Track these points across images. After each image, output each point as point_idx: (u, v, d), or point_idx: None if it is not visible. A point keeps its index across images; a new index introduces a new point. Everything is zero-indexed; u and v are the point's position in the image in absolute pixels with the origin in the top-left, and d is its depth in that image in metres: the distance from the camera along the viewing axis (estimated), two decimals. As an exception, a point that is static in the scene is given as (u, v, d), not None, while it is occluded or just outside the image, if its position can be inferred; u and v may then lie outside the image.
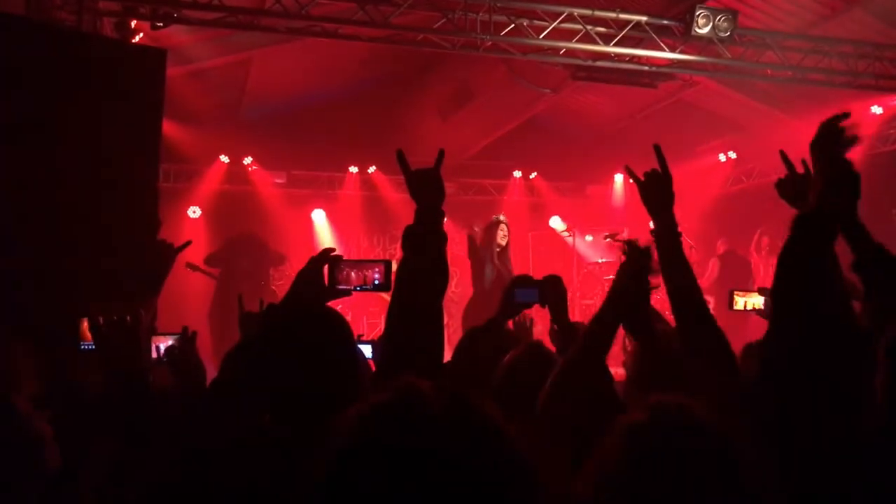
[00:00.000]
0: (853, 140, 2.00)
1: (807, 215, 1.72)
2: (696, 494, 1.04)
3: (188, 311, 8.84)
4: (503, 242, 7.28)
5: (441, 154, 1.94)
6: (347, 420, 0.92)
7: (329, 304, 1.97)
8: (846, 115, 2.03)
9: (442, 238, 1.82)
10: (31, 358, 2.60)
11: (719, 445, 1.08)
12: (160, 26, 6.35)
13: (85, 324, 2.17)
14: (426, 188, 1.85)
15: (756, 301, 3.31)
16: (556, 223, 11.91)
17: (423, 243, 1.78)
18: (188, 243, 2.84)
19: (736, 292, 2.85)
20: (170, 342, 2.36)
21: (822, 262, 1.65)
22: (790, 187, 2.27)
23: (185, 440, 1.80)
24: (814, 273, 1.64)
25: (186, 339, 2.29)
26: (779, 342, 1.63)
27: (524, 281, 2.69)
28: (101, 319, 1.98)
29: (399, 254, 1.89)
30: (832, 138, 1.98)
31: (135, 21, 6.31)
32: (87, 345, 2.14)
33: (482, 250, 7.25)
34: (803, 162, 2.28)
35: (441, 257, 1.79)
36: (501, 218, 7.40)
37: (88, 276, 3.96)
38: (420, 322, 1.70)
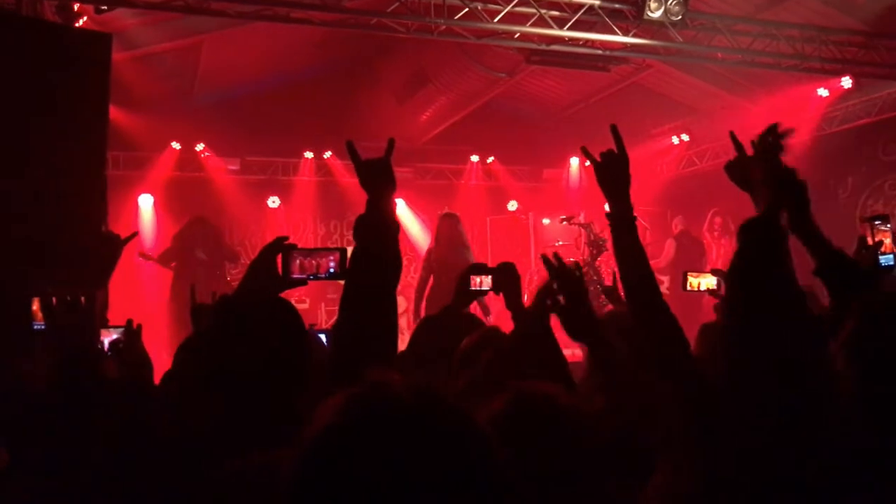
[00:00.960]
0: (788, 133, 2.16)
1: (752, 223, 1.80)
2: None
3: (143, 301, 8.71)
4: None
5: (391, 143, 1.93)
6: (320, 413, 0.92)
7: (285, 293, 1.95)
8: (776, 126, 2.18)
9: (394, 227, 1.81)
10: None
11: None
12: (104, 10, 6.16)
13: (36, 304, 2.12)
14: (377, 178, 1.85)
15: (709, 281, 3.37)
16: (514, 206, 11.96)
17: (376, 234, 1.77)
18: (134, 234, 2.77)
19: (689, 273, 2.90)
20: (114, 336, 2.31)
21: (773, 269, 1.70)
22: (739, 170, 2.30)
23: (134, 430, 1.76)
24: (765, 278, 1.69)
25: (131, 332, 2.25)
26: (734, 351, 1.67)
27: (479, 269, 2.70)
28: (53, 300, 1.94)
29: (355, 241, 1.90)
30: (770, 150, 2.10)
31: (77, 4, 6.11)
32: (39, 325, 2.09)
33: (458, 238, 7.28)
34: (752, 143, 2.31)
35: (394, 246, 1.79)
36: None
37: (36, 262, 3.86)
38: (374, 310, 1.70)
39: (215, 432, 1.57)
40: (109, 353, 2.31)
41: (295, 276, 1.94)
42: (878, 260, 2.60)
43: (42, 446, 1.96)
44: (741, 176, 2.24)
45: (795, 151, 9.43)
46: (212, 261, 8.39)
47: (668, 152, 11.45)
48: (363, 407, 0.90)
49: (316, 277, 1.97)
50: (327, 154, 11.09)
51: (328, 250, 2.00)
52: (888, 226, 2.81)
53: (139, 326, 2.27)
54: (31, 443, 1.98)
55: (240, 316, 1.71)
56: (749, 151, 2.28)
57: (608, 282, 9.01)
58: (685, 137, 11.13)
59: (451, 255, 7.08)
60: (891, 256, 2.78)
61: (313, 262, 1.96)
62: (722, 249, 10.06)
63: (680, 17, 6.76)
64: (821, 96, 9.00)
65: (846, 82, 8.59)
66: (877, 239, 2.77)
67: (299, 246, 2.04)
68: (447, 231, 7.40)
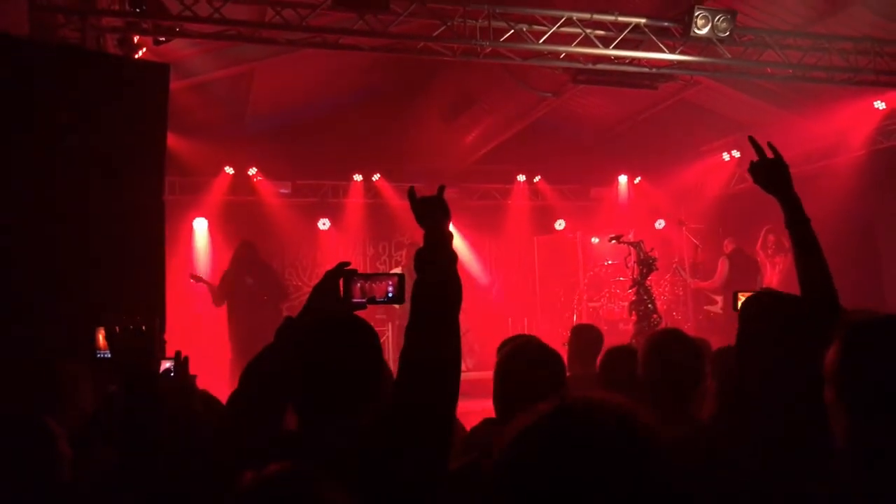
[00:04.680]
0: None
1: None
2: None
3: (199, 324, 8.92)
4: None
5: (441, 189, 2.04)
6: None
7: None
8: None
9: (453, 258, 1.87)
10: (88, 381, 2.73)
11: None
12: (162, 41, 6.40)
13: (100, 333, 2.21)
14: (433, 212, 1.90)
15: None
16: (562, 226, 11.89)
17: (435, 268, 1.84)
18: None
19: (740, 293, 2.85)
20: (167, 366, 2.39)
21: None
22: (762, 172, 2.37)
23: (202, 452, 1.83)
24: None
25: (180, 363, 2.33)
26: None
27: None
28: (116, 328, 2.02)
29: (404, 260, 1.96)
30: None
31: (137, 36, 6.36)
32: (103, 353, 2.17)
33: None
34: (770, 146, 2.36)
35: (454, 275, 1.84)
36: None
37: (100, 288, 4.01)
38: (441, 337, 1.75)
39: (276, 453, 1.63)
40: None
41: (355, 300, 2.00)
42: None
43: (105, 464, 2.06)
44: (765, 179, 2.34)
45: (850, 167, 9.26)
46: (259, 285, 8.44)
47: (718, 169, 11.28)
48: (567, 428, 0.93)
49: (374, 301, 2.03)
50: (376, 176, 11.24)
51: (387, 275, 2.06)
52: None
53: (186, 358, 2.35)
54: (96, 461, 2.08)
55: (306, 335, 1.80)
56: (769, 154, 2.35)
57: (660, 304, 8.93)
58: (736, 154, 10.96)
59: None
60: None
61: (372, 286, 2.01)
62: (777, 267, 9.83)
63: (728, 33, 6.70)
64: (877, 109, 8.78)
65: (903, 94, 8.38)
66: None
67: (356, 269, 2.10)
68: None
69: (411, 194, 2.00)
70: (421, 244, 1.90)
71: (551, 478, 0.90)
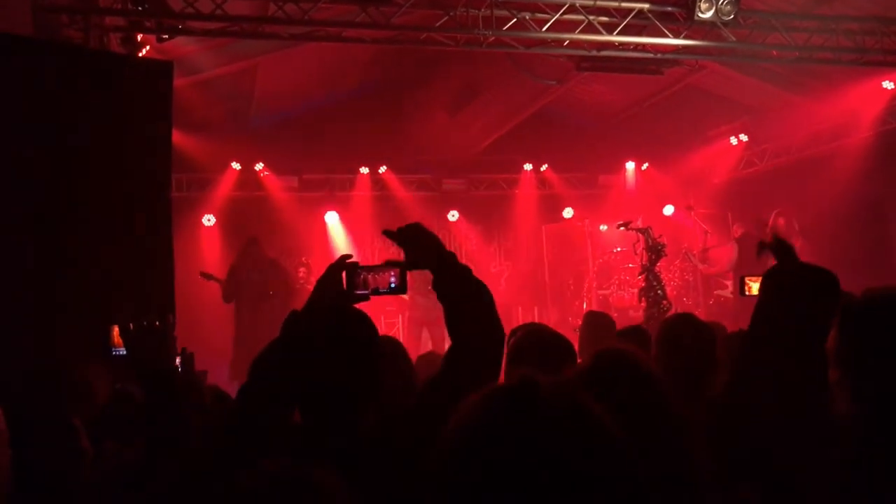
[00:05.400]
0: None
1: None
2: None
3: (206, 319, 8.96)
4: None
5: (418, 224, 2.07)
6: (468, 407, 1.00)
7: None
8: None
9: (465, 271, 1.92)
10: (104, 380, 2.77)
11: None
12: (166, 38, 6.41)
13: (115, 330, 2.23)
14: (419, 241, 1.96)
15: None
16: (570, 214, 11.89)
17: (454, 284, 1.89)
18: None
19: (747, 278, 2.85)
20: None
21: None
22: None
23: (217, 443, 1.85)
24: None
25: (186, 359, 2.36)
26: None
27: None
28: (130, 325, 2.04)
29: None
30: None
31: (141, 35, 6.38)
32: (118, 350, 2.20)
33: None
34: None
35: (473, 283, 1.90)
36: None
37: (110, 286, 4.04)
38: (483, 328, 1.84)
39: (284, 442, 1.64)
40: None
41: (359, 291, 2.00)
42: None
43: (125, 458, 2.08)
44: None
45: (858, 148, 9.19)
46: (265, 281, 8.44)
47: (726, 153, 11.21)
48: (515, 402, 0.97)
49: (378, 292, 2.03)
50: (382, 169, 11.24)
51: (389, 266, 2.05)
52: None
53: (191, 354, 2.37)
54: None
55: (309, 328, 1.82)
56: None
57: (670, 290, 8.92)
58: (744, 138, 10.89)
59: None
60: None
61: (376, 277, 2.02)
62: (786, 250, 9.77)
63: (732, 16, 6.64)
64: (885, 89, 8.70)
65: (912, 73, 8.30)
66: None
67: (359, 261, 2.10)
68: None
69: (390, 234, 2.03)
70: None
71: (495, 449, 0.94)
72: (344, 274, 2.01)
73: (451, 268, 1.91)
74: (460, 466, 0.96)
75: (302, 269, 9.62)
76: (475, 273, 1.93)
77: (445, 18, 6.66)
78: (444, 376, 1.81)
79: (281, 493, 1.25)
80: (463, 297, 1.87)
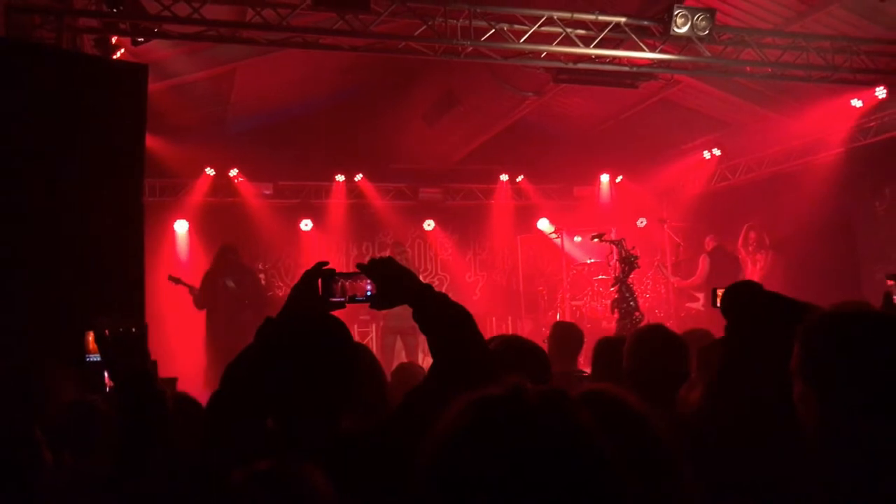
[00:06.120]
0: None
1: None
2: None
3: (177, 325, 8.84)
4: None
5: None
6: (452, 413, 1.00)
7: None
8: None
9: (442, 302, 1.88)
10: (72, 385, 2.71)
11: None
12: (141, 42, 6.33)
13: (90, 336, 2.19)
14: (393, 278, 1.91)
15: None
16: (544, 225, 11.97)
17: (434, 317, 1.86)
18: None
19: (718, 290, 2.88)
20: None
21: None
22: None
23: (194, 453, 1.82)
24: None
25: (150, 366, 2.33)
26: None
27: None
28: (106, 331, 2.00)
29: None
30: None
31: (115, 37, 6.30)
32: (93, 357, 2.16)
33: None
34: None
35: (453, 310, 1.87)
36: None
37: (79, 289, 3.97)
38: (467, 354, 1.82)
39: (261, 451, 1.63)
40: None
41: (334, 299, 1.98)
42: None
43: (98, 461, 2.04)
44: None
45: (828, 164, 9.36)
46: (240, 289, 8.37)
47: (699, 167, 11.36)
48: (498, 409, 0.97)
49: (354, 300, 2.01)
50: (358, 177, 11.21)
51: (365, 273, 2.03)
52: None
53: (154, 362, 2.34)
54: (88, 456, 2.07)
55: (283, 335, 1.81)
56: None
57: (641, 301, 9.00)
58: (717, 152, 11.03)
59: None
60: None
61: (353, 284, 1.99)
62: (758, 264, 9.92)
63: (707, 31, 6.74)
64: (854, 107, 8.87)
65: (880, 92, 8.45)
66: None
67: (334, 268, 2.08)
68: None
69: (361, 266, 1.98)
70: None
71: (475, 455, 0.94)
72: (320, 281, 1.99)
73: (428, 301, 1.88)
74: (445, 472, 0.95)
75: (261, 276, 9.55)
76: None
77: (424, 28, 6.67)
78: (429, 387, 1.80)
79: (274, 491, 1.24)
80: (444, 326, 1.85)
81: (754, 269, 9.87)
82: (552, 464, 0.92)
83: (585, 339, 4.61)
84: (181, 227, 10.58)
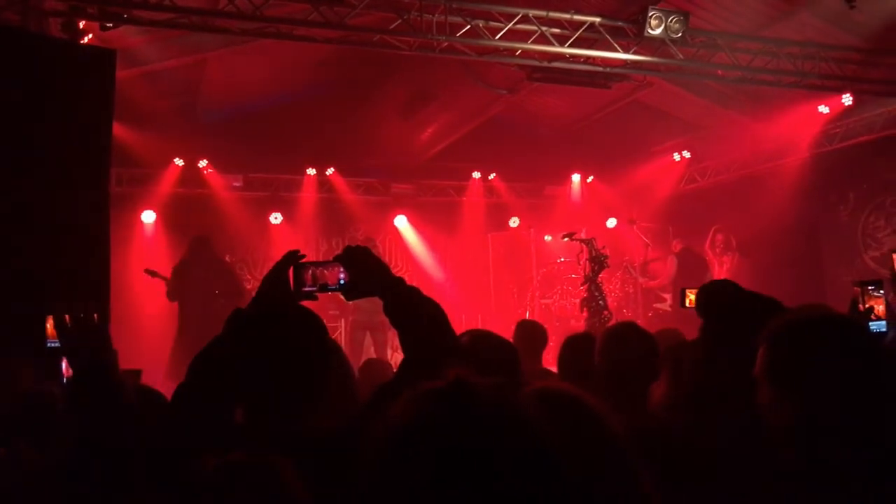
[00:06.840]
0: None
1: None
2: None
3: (142, 316, 8.71)
4: None
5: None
6: (401, 405, 1.00)
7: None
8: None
9: (413, 295, 1.86)
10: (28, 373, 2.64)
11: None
12: (110, 27, 6.19)
13: (50, 322, 2.14)
14: (366, 268, 1.89)
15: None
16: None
17: (404, 311, 1.84)
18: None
19: (688, 290, 2.90)
20: None
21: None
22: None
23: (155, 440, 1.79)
24: None
25: None
26: None
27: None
28: (66, 317, 1.95)
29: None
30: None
31: (83, 21, 6.15)
32: (52, 342, 2.10)
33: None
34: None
35: (424, 305, 1.85)
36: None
37: (43, 277, 3.88)
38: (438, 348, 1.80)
39: (229, 441, 1.60)
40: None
41: (306, 288, 1.95)
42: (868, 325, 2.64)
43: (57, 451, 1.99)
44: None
45: (795, 168, 9.52)
46: (211, 280, 8.27)
47: (669, 169, 11.48)
48: (447, 401, 0.96)
49: (326, 289, 1.97)
50: (330, 171, 11.13)
51: (337, 262, 1.99)
52: (881, 292, 2.81)
53: (115, 351, 2.29)
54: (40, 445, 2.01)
55: (253, 327, 1.78)
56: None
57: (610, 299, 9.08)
58: (686, 154, 11.17)
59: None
60: (883, 323, 2.77)
61: (324, 272, 1.95)
62: (724, 266, 10.04)
63: (680, 34, 6.81)
64: (821, 113, 9.03)
65: (847, 99, 8.62)
66: (868, 304, 2.77)
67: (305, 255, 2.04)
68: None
69: (337, 256, 1.96)
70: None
71: (428, 444, 0.94)
72: (291, 271, 1.95)
73: (399, 296, 1.86)
74: (389, 464, 0.95)
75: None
76: (421, 280, 1.91)
77: (399, 22, 6.63)
78: (400, 382, 1.78)
79: (244, 482, 1.22)
80: (416, 320, 1.83)
81: (721, 270, 9.99)
82: (493, 455, 0.92)
83: (554, 337, 4.62)
84: (149, 217, 10.41)
